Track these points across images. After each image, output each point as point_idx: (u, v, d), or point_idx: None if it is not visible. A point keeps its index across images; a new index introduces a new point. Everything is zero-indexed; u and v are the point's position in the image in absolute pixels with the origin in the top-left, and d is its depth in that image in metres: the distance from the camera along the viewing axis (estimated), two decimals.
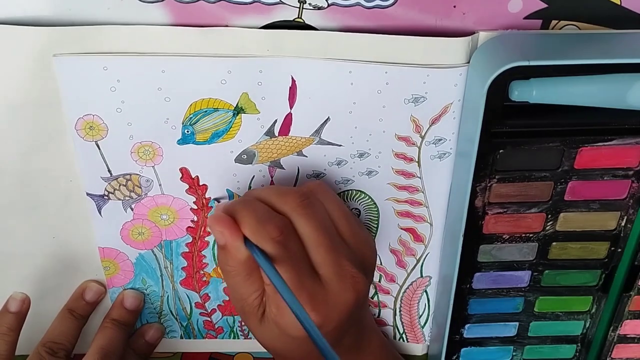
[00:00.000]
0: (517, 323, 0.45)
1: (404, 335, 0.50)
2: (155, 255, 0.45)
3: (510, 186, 0.38)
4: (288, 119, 0.39)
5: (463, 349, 0.46)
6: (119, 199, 0.42)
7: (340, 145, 0.40)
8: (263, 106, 0.38)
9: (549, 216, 0.40)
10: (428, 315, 0.48)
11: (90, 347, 0.43)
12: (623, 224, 0.40)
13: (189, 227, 0.43)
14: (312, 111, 0.39)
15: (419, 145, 0.40)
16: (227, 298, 0.47)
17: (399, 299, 0.48)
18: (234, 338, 0.49)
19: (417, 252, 0.45)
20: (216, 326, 0.49)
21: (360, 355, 0.42)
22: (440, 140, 0.40)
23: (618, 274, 0.42)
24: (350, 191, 0.42)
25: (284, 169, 0.41)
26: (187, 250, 0.45)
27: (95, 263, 0.45)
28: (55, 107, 0.38)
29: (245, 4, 0.36)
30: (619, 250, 0.41)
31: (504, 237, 0.40)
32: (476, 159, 0.37)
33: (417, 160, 0.41)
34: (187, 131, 0.39)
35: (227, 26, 0.36)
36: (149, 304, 0.47)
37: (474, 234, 0.40)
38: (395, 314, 0.48)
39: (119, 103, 0.38)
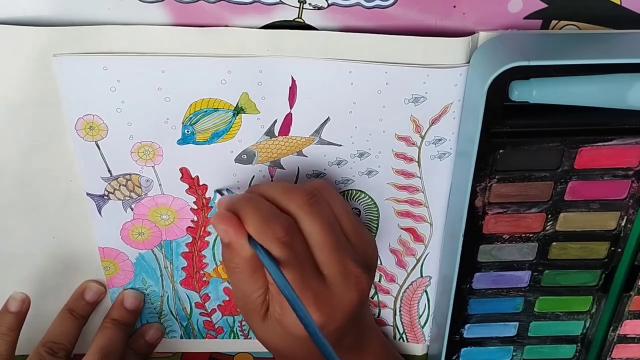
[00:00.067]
0: (517, 323, 0.45)
1: (404, 335, 0.50)
2: (155, 255, 0.45)
3: (510, 186, 0.38)
4: (288, 119, 0.39)
5: (463, 349, 0.46)
6: (119, 199, 0.42)
7: (340, 145, 0.40)
8: (263, 106, 0.38)
9: (549, 216, 0.40)
10: (428, 315, 0.48)
11: (90, 347, 0.43)
12: (623, 224, 0.40)
13: (189, 227, 0.43)
14: (312, 111, 0.39)
15: (419, 145, 0.40)
16: (227, 298, 0.47)
17: (399, 299, 0.48)
18: (234, 338, 0.49)
19: (417, 252, 0.45)
20: (216, 326, 0.49)
21: (361, 355, 0.42)
22: (440, 140, 0.40)
23: (618, 274, 0.42)
24: (350, 191, 0.42)
25: (284, 169, 0.41)
26: (187, 250, 0.45)
27: (95, 263, 0.45)
28: (55, 107, 0.38)
29: (245, 4, 0.36)
30: (619, 250, 0.41)
31: (504, 237, 0.40)
32: (476, 159, 0.37)
33: (417, 160, 0.41)
34: (187, 131, 0.39)
35: (227, 26, 0.36)
36: (149, 304, 0.47)
37: (474, 234, 0.40)
38: (395, 314, 0.48)
39: (119, 103, 0.38)
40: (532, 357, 0.47)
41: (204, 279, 0.46)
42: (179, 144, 0.39)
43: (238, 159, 0.40)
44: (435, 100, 0.38)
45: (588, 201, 0.39)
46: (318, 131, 0.39)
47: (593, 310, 0.44)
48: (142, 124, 0.39)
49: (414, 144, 0.40)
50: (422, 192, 0.42)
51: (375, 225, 0.44)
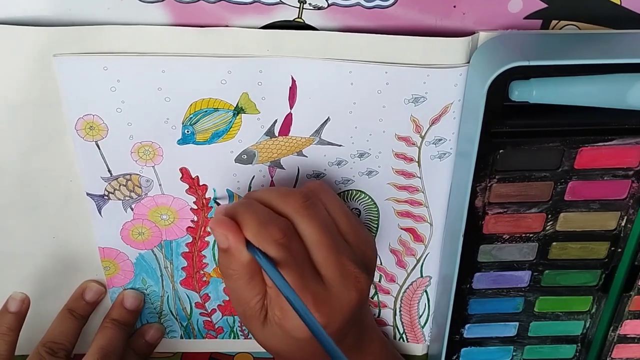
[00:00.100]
0: (517, 323, 0.45)
1: (404, 335, 0.50)
2: (155, 255, 0.45)
3: (510, 186, 0.38)
4: (288, 119, 0.39)
5: (463, 349, 0.46)
6: (119, 199, 0.42)
7: (340, 145, 0.40)
8: (263, 106, 0.38)
9: (549, 216, 0.40)
10: (428, 315, 0.48)
11: (90, 347, 0.43)
12: (623, 224, 0.40)
13: (189, 227, 0.43)
14: (312, 111, 0.39)
15: (419, 145, 0.40)
16: (227, 298, 0.47)
17: (399, 299, 0.48)
18: (234, 338, 0.49)
19: (417, 252, 0.45)
20: (216, 326, 0.49)
21: (362, 355, 0.42)
22: (440, 140, 0.40)
23: (618, 274, 0.42)
24: (350, 191, 0.42)
25: (284, 169, 0.41)
26: (187, 250, 0.45)
27: (95, 263, 0.45)
28: (55, 107, 0.38)
29: (245, 4, 0.36)
30: (619, 250, 0.41)
31: (504, 237, 0.40)
32: (476, 159, 0.37)
33: (417, 160, 0.41)
34: (187, 131, 0.39)
35: (227, 26, 0.36)
36: (149, 304, 0.47)
37: (474, 234, 0.40)
38: (395, 314, 0.48)
39: (119, 103, 0.38)
40: (532, 357, 0.47)
41: (204, 279, 0.46)
42: (179, 144, 0.39)
43: (238, 159, 0.40)
44: (435, 100, 0.38)
45: (588, 201, 0.39)
46: (318, 131, 0.39)
47: (593, 310, 0.44)
48: (142, 124, 0.39)
49: (414, 144, 0.40)
50: (422, 192, 0.42)
51: (375, 226, 0.44)
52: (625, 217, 0.40)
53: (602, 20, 0.37)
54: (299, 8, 0.36)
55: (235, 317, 0.48)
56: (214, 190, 0.42)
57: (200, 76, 0.37)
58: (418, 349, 0.50)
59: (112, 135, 0.39)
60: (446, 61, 0.37)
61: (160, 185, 0.41)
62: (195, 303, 0.47)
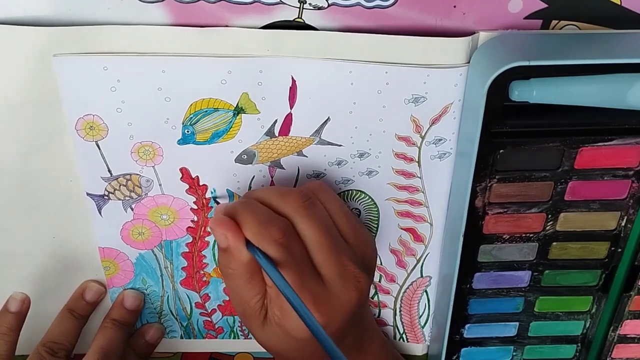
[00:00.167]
0: (517, 323, 0.45)
1: (404, 335, 0.50)
2: (155, 255, 0.45)
3: (510, 186, 0.38)
4: (288, 119, 0.39)
5: (463, 349, 0.46)
6: (119, 199, 0.42)
7: (340, 145, 0.40)
8: (263, 106, 0.38)
9: (549, 216, 0.40)
10: (428, 315, 0.48)
11: (90, 347, 0.43)
12: (623, 224, 0.40)
13: (189, 227, 0.43)
14: (312, 111, 0.39)
15: (419, 145, 0.40)
16: (227, 298, 0.47)
17: (399, 299, 0.48)
18: (234, 338, 0.49)
19: (417, 252, 0.45)
20: (216, 326, 0.49)
21: (362, 355, 0.42)
22: (440, 140, 0.40)
23: (618, 274, 0.42)
24: (350, 191, 0.42)
25: (284, 169, 0.41)
26: (187, 250, 0.45)
27: (95, 263, 0.45)
28: (55, 107, 0.38)
29: (245, 4, 0.36)
30: (619, 250, 0.41)
31: (504, 237, 0.40)
32: (476, 159, 0.37)
33: (417, 160, 0.41)
34: (187, 131, 0.39)
35: (227, 26, 0.36)
36: (149, 304, 0.47)
37: (474, 234, 0.40)
38: (395, 314, 0.48)
39: (119, 103, 0.38)
40: (532, 357, 0.47)
41: (204, 279, 0.46)
42: (179, 144, 0.39)
43: (238, 159, 0.40)
44: (435, 100, 0.38)
45: (588, 201, 0.39)
46: (318, 131, 0.39)
47: (593, 310, 0.44)
48: (142, 124, 0.39)
49: (414, 144, 0.40)
50: (422, 192, 0.42)
51: (375, 226, 0.44)
52: (625, 217, 0.40)
53: (602, 20, 0.37)
54: (299, 8, 0.36)
55: (235, 317, 0.48)
56: (214, 190, 0.42)
57: (200, 76, 0.37)
58: (418, 349, 0.50)
59: (112, 135, 0.39)
60: (446, 61, 0.37)
61: (160, 185, 0.41)
62: (195, 303, 0.47)
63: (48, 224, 0.43)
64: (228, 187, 0.42)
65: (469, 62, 0.37)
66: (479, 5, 0.36)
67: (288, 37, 0.36)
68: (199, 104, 0.38)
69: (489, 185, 0.38)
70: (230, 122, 0.39)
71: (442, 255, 0.45)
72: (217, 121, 0.39)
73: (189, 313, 0.48)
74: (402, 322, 0.49)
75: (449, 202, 0.42)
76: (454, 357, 0.46)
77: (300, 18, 0.36)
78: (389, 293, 0.47)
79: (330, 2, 0.36)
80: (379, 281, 0.47)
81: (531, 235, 0.40)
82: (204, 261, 0.45)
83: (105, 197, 0.42)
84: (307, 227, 0.36)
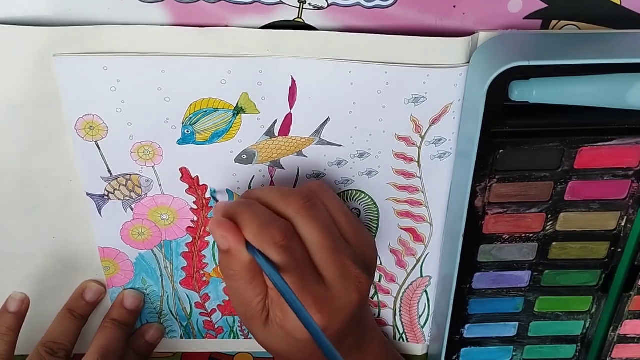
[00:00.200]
0: (517, 323, 0.45)
1: (404, 335, 0.50)
2: (155, 255, 0.45)
3: (510, 186, 0.38)
4: (288, 119, 0.39)
5: (463, 349, 0.46)
6: (119, 199, 0.42)
7: (340, 146, 0.40)
8: (263, 106, 0.38)
9: (549, 216, 0.40)
10: (428, 315, 0.48)
11: (90, 347, 0.43)
12: (623, 224, 0.40)
13: (189, 227, 0.43)
14: (312, 111, 0.39)
15: (419, 145, 0.40)
16: (227, 298, 0.47)
17: (399, 299, 0.48)
18: (234, 338, 0.49)
19: (417, 252, 0.45)
20: (216, 326, 0.49)
21: (362, 355, 0.42)
22: (440, 140, 0.40)
23: (618, 274, 0.42)
24: (350, 191, 0.42)
25: (284, 169, 0.41)
26: (187, 250, 0.45)
27: (95, 263, 0.45)
28: (55, 107, 0.38)
29: (245, 4, 0.36)
30: (619, 250, 0.41)
31: (504, 237, 0.40)
32: (476, 159, 0.37)
33: (417, 160, 0.41)
34: (187, 131, 0.39)
35: (227, 26, 0.36)
36: (149, 304, 0.47)
37: (474, 234, 0.40)
38: (395, 314, 0.48)
39: (119, 103, 0.38)
40: (532, 357, 0.47)
41: (204, 279, 0.46)
42: (179, 144, 0.39)
43: (238, 159, 0.40)
44: (435, 100, 0.38)
45: (588, 201, 0.39)
46: (318, 131, 0.39)
47: (593, 310, 0.44)
48: (142, 124, 0.39)
49: (414, 144, 0.40)
50: (422, 192, 0.42)
51: (375, 226, 0.44)
52: (625, 217, 0.40)
53: (602, 20, 0.37)
54: (299, 8, 0.36)
55: (235, 317, 0.48)
56: (213, 190, 0.42)
57: (200, 76, 0.37)
58: (418, 349, 0.50)
59: (112, 135, 0.39)
60: (446, 61, 0.37)
61: (160, 185, 0.41)
62: (195, 303, 0.47)
63: (48, 224, 0.43)
64: (228, 187, 0.42)
65: (468, 62, 0.37)
66: (479, 5, 0.36)
67: (288, 37, 0.36)
68: (199, 104, 0.38)
69: (489, 185, 0.38)
70: (230, 122, 0.39)
71: (442, 255, 0.45)
72: (216, 121, 0.39)
73: (188, 313, 0.48)
74: (402, 322, 0.49)
75: (449, 202, 0.42)
76: (454, 357, 0.46)
77: (300, 18, 0.36)
78: (388, 293, 0.47)
79: (330, 2, 0.36)
80: (379, 281, 0.47)
81: (531, 235, 0.40)
82: (203, 261, 0.45)
83: (105, 197, 0.42)
84: (308, 229, 0.36)
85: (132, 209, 0.42)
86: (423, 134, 0.40)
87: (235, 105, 0.38)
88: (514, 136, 0.36)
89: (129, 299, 0.46)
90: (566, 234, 0.40)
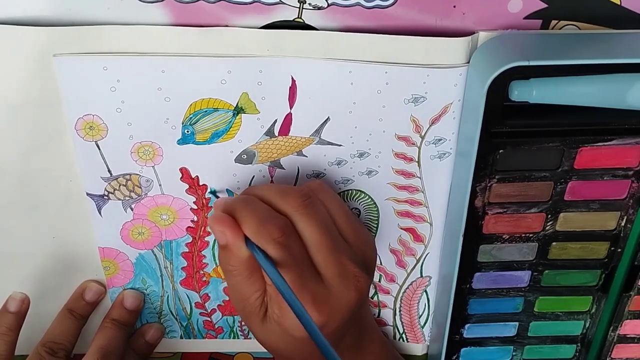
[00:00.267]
0: (517, 323, 0.45)
1: (404, 335, 0.50)
2: (155, 255, 0.45)
3: (510, 186, 0.38)
4: (288, 119, 0.39)
5: (463, 349, 0.46)
6: (119, 199, 0.42)
7: (340, 145, 0.40)
8: (263, 106, 0.38)
9: (549, 216, 0.40)
10: (428, 315, 0.48)
11: (90, 347, 0.43)
12: (623, 224, 0.40)
13: (189, 227, 0.43)
14: (312, 111, 0.39)
15: (419, 145, 0.40)
16: (227, 298, 0.47)
17: (399, 299, 0.48)
18: (234, 338, 0.49)
19: (417, 252, 0.45)
20: (216, 326, 0.49)
21: (361, 355, 0.42)
22: (440, 140, 0.40)
23: (618, 274, 0.42)
24: (350, 191, 0.42)
25: (284, 169, 0.41)
26: (187, 250, 0.45)
27: (95, 263, 0.45)
28: (55, 107, 0.38)
29: (245, 4, 0.36)
30: (619, 250, 0.41)
31: (504, 237, 0.40)
32: (476, 159, 0.37)
33: (417, 160, 0.41)
34: (187, 131, 0.39)
35: (227, 26, 0.36)
36: (149, 304, 0.47)
37: (474, 234, 0.40)
38: (395, 314, 0.48)
39: (119, 103, 0.38)
40: (532, 357, 0.47)
41: (204, 279, 0.46)
42: (179, 144, 0.39)
43: (238, 159, 0.40)
44: (435, 100, 0.38)
45: (588, 201, 0.39)
46: (318, 131, 0.39)
47: (593, 310, 0.44)
48: (142, 124, 0.39)
49: (414, 144, 0.40)
50: (422, 192, 0.42)
51: (375, 225, 0.44)
52: (625, 217, 0.40)
53: (602, 20, 0.37)
54: (299, 8, 0.36)
55: (235, 317, 0.48)
56: (214, 190, 0.42)
57: (200, 76, 0.37)
58: (418, 349, 0.50)
59: (112, 135, 0.39)
60: (446, 61, 0.37)
61: (160, 185, 0.41)
62: (195, 303, 0.47)
63: (48, 224, 0.43)
64: (228, 187, 0.42)
65: (468, 62, 0.37)
66: (479, 5, 0.36)
67: (288, 37, 0.36)
68: (199, 103, 0.38)
69: (489, 185, 0.38)
70: (230, 122, 0.39)
71: (441, 255, 0.45)
72: (216, 121, 0.39)
73: (188, 313, 0.48)
74: (402, 322, 0.49)
75: (449, 202, 0.42)
76: (454, 357, 0.46)
77: (300, 18, 0.36)
78: (388, 293, 0.47)
79: (330, 2, 0.36)
80: (379, 281, 0.47)
81: (531, 235, 0.40)
82: (203, 261, 0.45)
83: (105, 197, 0.42)
84: (307, 227, 0.36)
85: (132, 209, 0.42)
86: (423, 134, 0.40)
87: (235, 105, 0.38)
88: (514, 136, 0.36)
89: (129, 299, 0.46)
90: (566, 234, 0.40)
